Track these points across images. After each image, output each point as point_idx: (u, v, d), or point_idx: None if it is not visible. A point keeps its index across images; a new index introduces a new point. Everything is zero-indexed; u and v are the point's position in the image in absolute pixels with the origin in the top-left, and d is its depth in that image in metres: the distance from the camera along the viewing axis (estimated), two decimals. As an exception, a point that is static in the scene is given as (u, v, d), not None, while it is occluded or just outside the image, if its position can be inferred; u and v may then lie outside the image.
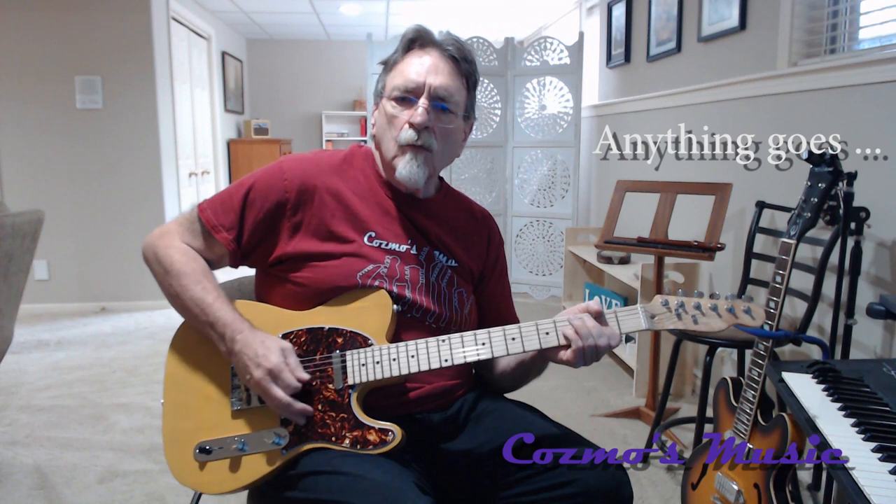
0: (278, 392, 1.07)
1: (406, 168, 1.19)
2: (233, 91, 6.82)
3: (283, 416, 1.11)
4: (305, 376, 1.11)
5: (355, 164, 1.28)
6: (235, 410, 1.14)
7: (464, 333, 1.12)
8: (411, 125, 1.18)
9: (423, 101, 1.18)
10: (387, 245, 1.22)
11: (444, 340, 1.12)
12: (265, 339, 1.11)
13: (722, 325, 1.08)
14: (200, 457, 1.12)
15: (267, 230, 1.21)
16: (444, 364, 1.11)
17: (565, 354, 1.10)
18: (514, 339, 1.11)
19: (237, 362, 1.12)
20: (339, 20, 6.54)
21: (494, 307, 1.37)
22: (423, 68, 1.20)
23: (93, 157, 4.37)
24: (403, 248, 1.23)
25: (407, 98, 1.20)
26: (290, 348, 1.12)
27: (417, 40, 1.22)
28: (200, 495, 1.34)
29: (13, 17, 4.20)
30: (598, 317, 1.10)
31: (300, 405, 1.09)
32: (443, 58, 1.21)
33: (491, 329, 1.12)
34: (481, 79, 4.48)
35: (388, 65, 1.25)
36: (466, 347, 1.11)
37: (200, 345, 1.17)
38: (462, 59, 1.23)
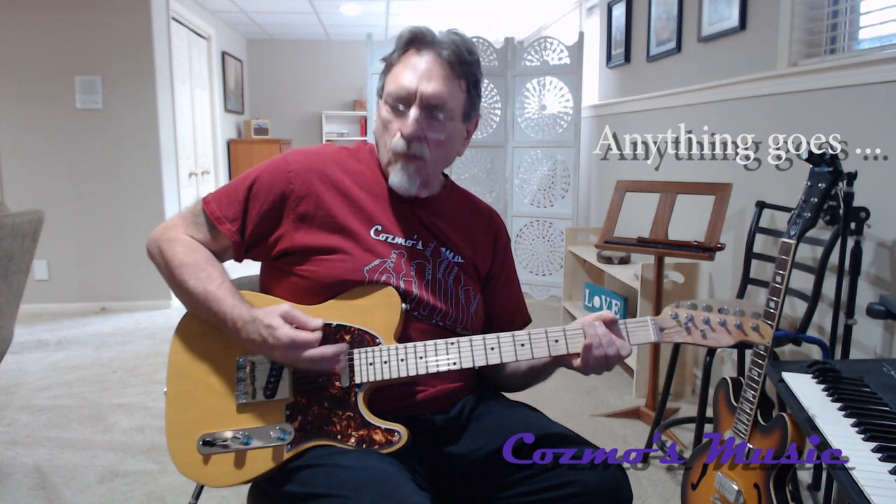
0: (309, 354, 1.06)
1: (398, 177, 1.19)
2: (233, 91, 6.82)
3: (326, 370, 1.09)
4: (318, 322, 1.09)
5: (361, 159, 1.28)
6: (240, 404, 1.13)
7: (473, 337, 1.12)
8: (402, 135, 1.17)
9: (413, 111, 1.16)
10: (393, 239, 1.21)
11: (452, 343, 1.12)
12: (262, 317, 1.07)
13: (730, 341, 1.09)
14: (204, 449, 1.11)
15: (271, 222, 1.21)
16: (453, 367, 1.11)
17: (576, 362, 1.11)
18: (523, 345, 1.11)
19: (256, 350, 1.11)
20: (339, 20, 6.54)
21: (504, 310, 1.36)
22: (415, 74, 1.17)
23: (93, 157, 4.37)
24: (409, 243, 1.22)
25: (399, 106, 1.19)
26: (287, 309, 1.09)
27: (413, 41, 1.20)
28: (202, 488, 1.34)
29: (13, 17, 4.20)
30: (610, 326, 1.10)
31: (332, 348, 1.08)
32: (437, 61, 1.18)
33: (500, 334, 1.12)
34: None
35: (387, 65, 1.24)
36: (475, 351, 1.11)
37: (205, 335, 1.17)
38: (458, 62, 1.19)
